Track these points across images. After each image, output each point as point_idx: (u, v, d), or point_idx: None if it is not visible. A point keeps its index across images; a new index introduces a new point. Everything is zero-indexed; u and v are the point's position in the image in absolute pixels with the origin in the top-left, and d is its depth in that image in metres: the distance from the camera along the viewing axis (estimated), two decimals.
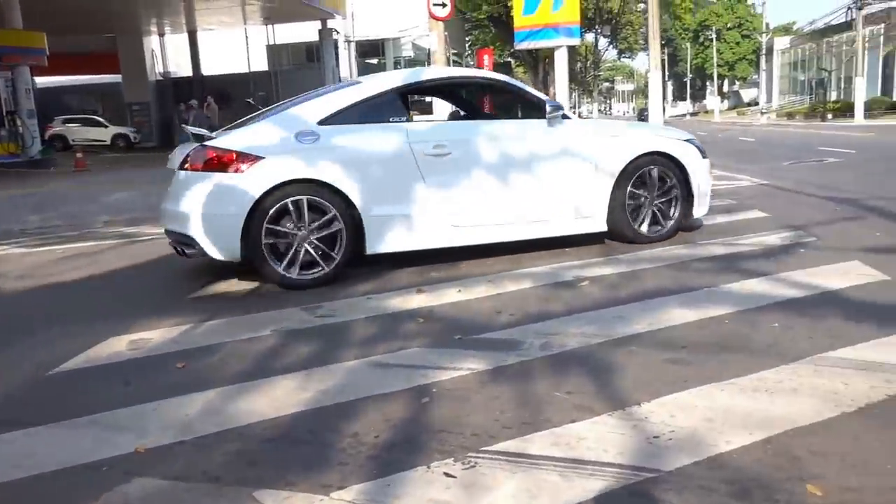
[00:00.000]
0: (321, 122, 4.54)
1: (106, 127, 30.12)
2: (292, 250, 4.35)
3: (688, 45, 67.14)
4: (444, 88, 6.08)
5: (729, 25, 62.72)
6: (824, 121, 35.44)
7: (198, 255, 4.45)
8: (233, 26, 31.08)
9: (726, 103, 67.49)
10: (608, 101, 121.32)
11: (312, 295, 4.22)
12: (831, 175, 9.86)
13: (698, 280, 4.13)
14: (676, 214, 5.25)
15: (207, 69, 31.05)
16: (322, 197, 4.37)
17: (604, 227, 5.10)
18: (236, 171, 4.28)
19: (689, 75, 70.37)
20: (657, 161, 5.13)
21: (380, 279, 4.59)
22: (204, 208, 4.29)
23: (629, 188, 5.05)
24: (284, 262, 4.33)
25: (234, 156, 4.31)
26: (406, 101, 5.22)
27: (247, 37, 31.89)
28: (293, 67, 35.09)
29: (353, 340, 3.36)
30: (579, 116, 53.76)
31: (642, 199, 5.15)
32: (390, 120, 4.73)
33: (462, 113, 6.18)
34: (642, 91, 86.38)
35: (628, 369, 2.79)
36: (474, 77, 5.97)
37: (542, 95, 5.34)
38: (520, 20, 16.99)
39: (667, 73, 76.22)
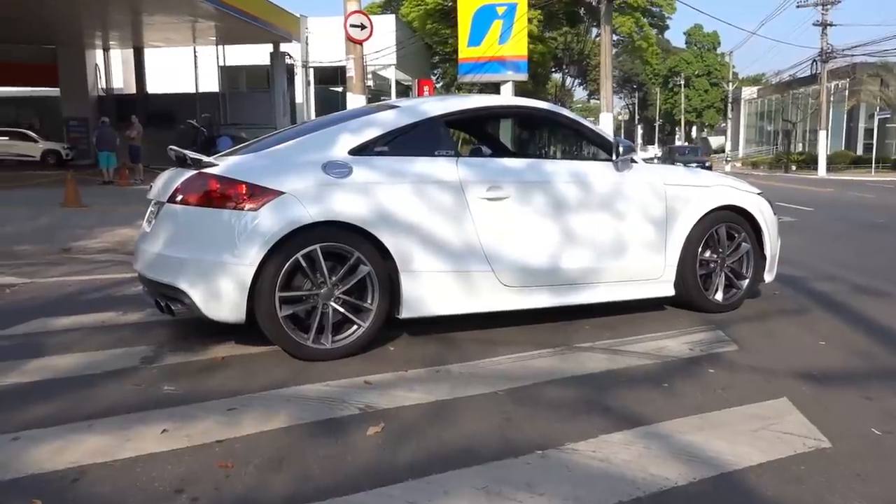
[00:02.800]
0: (353, 152, 3.66)
1: (36, 142, 28.28)
2: (316, 312, 3.46)
3: (657, 90, 67.32)
4: (495, 118, 5.08)
5: (698, 73, 63.01)
6: (788, 172, 35.03)
7: (187, 313, 3.48)
8: (181, 44, 29.70)
9: None
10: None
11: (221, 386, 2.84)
12: (782, 239, 8.66)
13: (527, 431, 2.72)
14: (749, 279, 4.60)
15: (155, 87, 29.60)
16: (353, 245, 3.48)
17: (671, 292, 4.39)
18: (248, 207, 3.35)
19: (659, 120, 70.51)
20: (730, 217, 4.50)
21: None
22: (202, 254, 3.37)
23: (701, 247, 4.39)
24: (313, 329, 3.45)
25: (245, 188, 3.38)
26: (455, 132, 4.31)
27: (195, 56, 30.50)
28: (246, 91, 33.81)
29: None
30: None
31: (715, 260, 4.49)
32: (435, 153, 3.84)
33: (485, 149, 5.06)
34: (613, 133, 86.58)
35: None
36: (530, 108, 4.66)
37: (609, 134, 4.53)
38: (464, 52, 15.93)
39: (637, 116, 76.66)
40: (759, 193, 4.76)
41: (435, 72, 46.83)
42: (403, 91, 35.46)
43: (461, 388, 3.10)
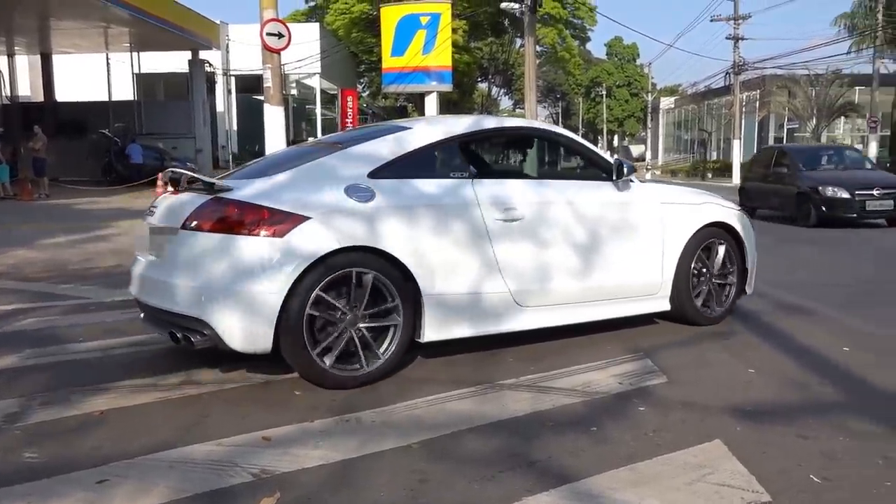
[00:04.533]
0: (371, 175, 3.58)
1: None
2: (342, 338, 3.36)
3: (580, 99, 68.73)
4: (504, 139, 5.09)
5: (619, 83, 64.64)
6: (704, 179, 36.16)
7: (207, 345, 3.27)
8: (93, 51, 28.24)
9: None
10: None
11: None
12: None
13: (443, 495, 2.42)
14: (734, 291, 4.83)
15: (66, 95, 28.00)
16: (378, 269, 3.41)
17: (667, 307, 4.53)
18: (273, 233, 3.23)
19: (582, 129, 71.98)
20: (717, 233, 4.70)
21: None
22: (225, 283, 3.20)
23: (693, 262, 4.55)
24: (334, 355, 3.35)
25: (268, 213, 3.26)
26: (468, 153, 4.23)
27: (108, 63, 29.03)
28: (164, 99, 32.52)
29: None
30: None
31: (705, 274, 4.67)
32: (451, 175, 3.89)
33: (496, 170, 5.19)
34: None
35: None
36: (536, 129, 4.95)
37: (608, 155, 4.70)
38: (388, 61, 15.65)
39: (560, 125, 78.13)
40: (740, 210, 4.99)
41: (361, 80, 46.36)
42: (329, 100, 34.85)
43: (372, 442, 2.78)
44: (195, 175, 3.62)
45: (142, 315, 3.90)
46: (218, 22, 28.35)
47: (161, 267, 3.50)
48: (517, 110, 71.12)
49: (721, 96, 42.93)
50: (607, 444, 2.78)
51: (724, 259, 4.72)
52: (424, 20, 15.42)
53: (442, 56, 15.56)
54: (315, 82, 32.57)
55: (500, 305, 3.82)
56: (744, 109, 37.77)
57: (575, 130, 74.19)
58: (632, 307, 4.40)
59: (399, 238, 3.47)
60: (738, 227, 4.78)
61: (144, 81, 30.85)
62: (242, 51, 29.24)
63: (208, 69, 28.06)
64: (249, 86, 32.56)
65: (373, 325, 3.45)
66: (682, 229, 4.50)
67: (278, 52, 10.46)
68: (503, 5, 17.30)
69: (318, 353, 3.30)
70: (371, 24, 28.61)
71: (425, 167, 3.83)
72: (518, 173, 4.79)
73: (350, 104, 15.51)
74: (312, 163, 3.68)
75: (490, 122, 5.03)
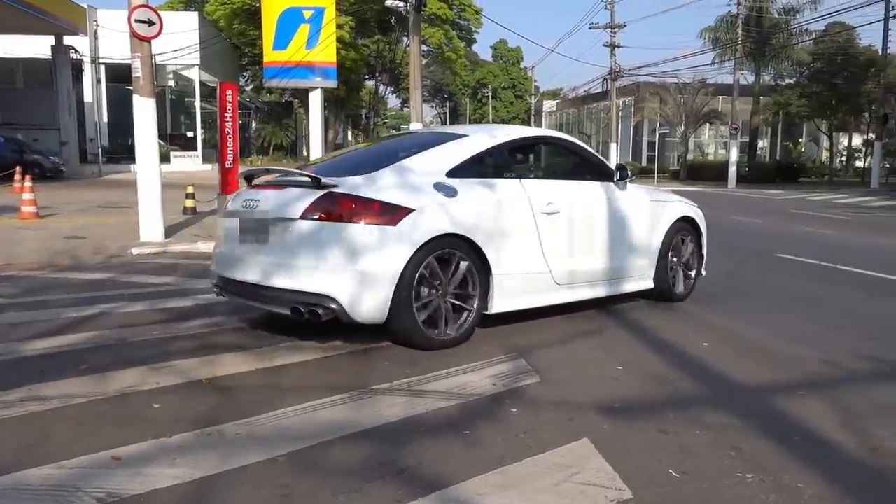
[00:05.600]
0: (449, 174, 4.32)
1: None
2: (440, 308, 4.10)
3: (467, 100, 69.78)
4: (537, 146, 5.86)
5: (504, 85, 66.20)
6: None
7: (330, 317, 3.82)
8: None
9: None
10: None
11: None
12: None
13: None
14: (695, 274, 5.87)
15: None
16: (463, 251, 4.16)
17: (652, 286, 5.50)
18: (386, 222, 3.89)
19: None
20: (685, 226, 5.76)
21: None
22: (348, 264, 3.80)
23: (670, 249, 5.58)
24: (440, 323, 4.12)
25: (378, 206, 3.91)
26: (514, 157, 5.06)
27: None
28: (23, 87, 30.01)
29: None
30: None
31: (675, 259, 5.66)
32: (504, 175, 4.67)
33: (536, 171, 5.92)
34: None
35: None
36: (560, 138, 5.66)
37: (609, 161, 6.00)
38: (269, 55, 15.15)
39: (448, 124, 79.01)
40: (697, 206, 6.00)
41: (244, 74, 44.83)
42: (210, 93, 33.41)
43: (235, 456, 2.62)
44: (291, 170, 4.38)
45: (216, 291, 4.61)
46: (85, 6, 26.45)
47: (272, 251, 4.03)
48: (405, 109, 71.20)
49: (600, 101, 44.89)
50: (479, 447, 2.76)
51: (693, 248, 5.81)
52: (308, 14, 15.03)
53: (326, 52, 15.23)
54: (194, 74, 31.15)
55: (542, 283, 4.65)
56: (620, 114, 39.65)
57: None
58: (631, 286, 5.35)
59: (478, 226, 4.22)
60: (698, 221, 5.87)
61: (1, 67, 28.38)
62: (113, 38, 27.45)
63: (74, 56, 26.15)
64: (121, 76, 30.55)
65: (455, 301, 4.16)
66: (663, 221, 5.55)
67: (148, 40, 9.82)
68: (388, 3, 17.19)
69: (421, 319, 3.96)
70: (253, 16, 27.63)
71: (485, 168, 4.60)
72: (550, 174, 5.60)
73: (230, 98, 14.81)
74: (399, 163, 4.29)
75: (529, 132, 6.05)
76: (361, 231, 3.82)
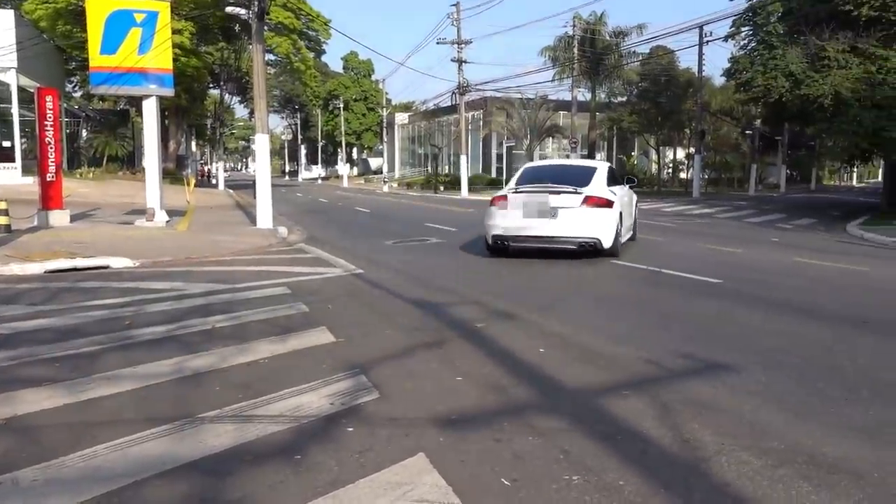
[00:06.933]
0: (607, 183, 9.91)
1: None
2: (621, 235, 9.97)
3: (318, 111, 68.81)
4: (610, 169, 10.99)
5: (356, 97, 65.89)
6: (437, 192, 38.24)
7: (594, 248, 9.19)
8: None
9: (356, 170, 70.49)
10: (244, 160, 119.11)
11: None
12: (431, 261, 9.13)
13: None
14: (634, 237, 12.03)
15: None
16: (619, 216, 9.76)
17: (628, 240, 11.30)
18: (612, 207, 9.35)
19: (322, 141, 72.11)
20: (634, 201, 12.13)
21: None
22: (607, 225, 9.23)
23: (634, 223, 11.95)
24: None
25: (606, 200, 9.30)
26: (611, 175, 10.60)
27: None
28: None
29: None
30: (209, 173, 50.56)
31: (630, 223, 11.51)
32: (616, 183, 10.59)
33: (627, 181, 12.26)
34: (277, 152, 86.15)
35: None
36: (611, 166, 11.46)
37: (621, 174, 12.53)
38: (97, 59, 14.01)
39: (300, 137, 77.44)
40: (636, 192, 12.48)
41: (72, 79, 41.43)
42: (31, 99, 30.48)
43: None
44: (552, 185, 9.48)
45: (499, 244, 9.59)
46: None
47: (560, 222, 9.12)
48: (252, 119, 68.89)
49: (450, 114, 45.89)
50: (310, 472, 2.65)
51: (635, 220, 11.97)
52: (140, 17, 14.09)
53: (161, 58, 14.35)
54: (11, 78, 28.34)
55: (625, 229, 10.30)
56: (469, 127, 40.74)
57: (315, 142, 73.98)
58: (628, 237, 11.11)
59: (620, 204, 9.70)
60: (635, 202, 12.28)
61: None
62: None
63: None
64: None
65: (622, 232, 10.01)
66: (634, 203, 11.85)
67: None
68: (229, 9, 16.48)
69: (619, 242, 9.70)
70: (79, 17, 25.56)
71: (611, 181, 10.09)
72: (614, 182, 10.53)
73: (50, 104, 13.57)
74: (596, 177, 9.76)
75: (608, 163, 12.93)
76: (606, 211, 9.22)
